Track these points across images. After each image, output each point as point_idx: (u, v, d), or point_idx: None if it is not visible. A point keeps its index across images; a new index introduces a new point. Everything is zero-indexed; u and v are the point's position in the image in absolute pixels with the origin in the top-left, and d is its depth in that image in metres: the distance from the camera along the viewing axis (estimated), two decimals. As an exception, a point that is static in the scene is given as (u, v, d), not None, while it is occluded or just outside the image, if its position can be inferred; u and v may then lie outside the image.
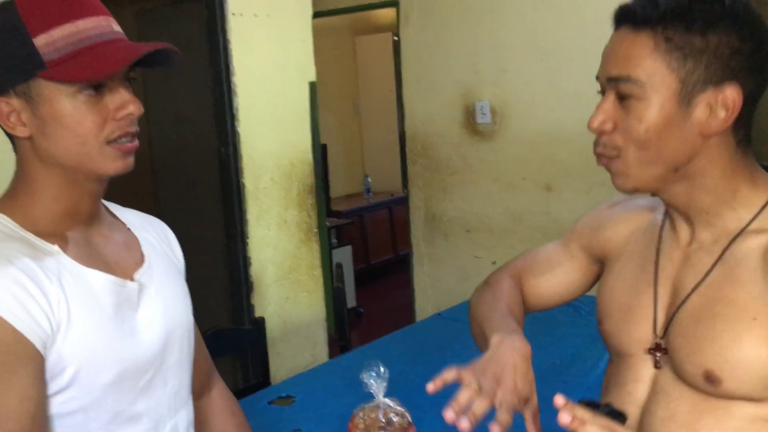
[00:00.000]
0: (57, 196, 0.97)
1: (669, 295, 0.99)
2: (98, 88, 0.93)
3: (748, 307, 0.89)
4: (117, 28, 0.96)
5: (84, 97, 0.92)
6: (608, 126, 0.93)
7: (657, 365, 0.99)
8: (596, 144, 0.95)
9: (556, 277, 1.21)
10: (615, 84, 0.92)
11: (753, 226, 0.93)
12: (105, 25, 0.93)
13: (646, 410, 0.99)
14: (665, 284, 1.00)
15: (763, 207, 0.93)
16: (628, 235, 1.11)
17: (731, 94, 0.88)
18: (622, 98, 0.91)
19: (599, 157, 0.95)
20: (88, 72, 0.90)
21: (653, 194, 0.98)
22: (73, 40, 0.90)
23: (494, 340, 1.02)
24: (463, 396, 0.92)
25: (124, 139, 0.95)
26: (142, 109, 0.96)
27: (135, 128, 0.97)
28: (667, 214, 1.04)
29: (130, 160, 0.98)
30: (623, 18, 0.93)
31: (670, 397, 0.96)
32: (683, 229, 0.99)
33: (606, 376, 1.10)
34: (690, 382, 0.93)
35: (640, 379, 1.00)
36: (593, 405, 0.90)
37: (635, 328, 1.01)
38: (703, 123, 0.89)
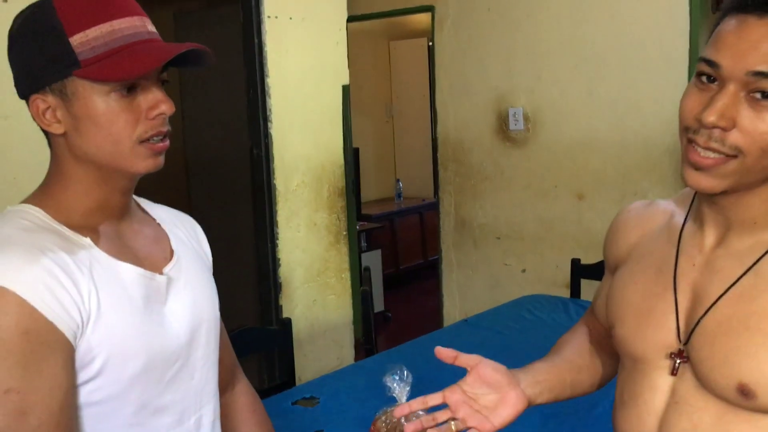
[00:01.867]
0: (89, 191, 0.99)
1: (689, 301, 0.96)
2: (131, 87, 0.94)
3: None
4: (152, 28, 0.97)
5: (117, 96, 0.93)
6: (725, 123, 0.84)
7: (674, 372, 0.95)
8: (707, 137, 0.85)
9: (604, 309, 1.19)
10: (757, 79, 0.82)
11: None
12: (140, 25, 0.95)
13: (664, 422, 0.96)
14: (685, 289, 0.96)
15: None
16: (637, 238, 1.08)
17: None
18: (755, 97, 0.83)
19: (710, 150, 0.85)
20: (121, 72, 0.91)
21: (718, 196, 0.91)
22: (107, 39, 0.92)
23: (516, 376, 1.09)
24: (425, 420, 1.06)
25: (155, 139, 0.97)
26: (173, 108, 0.97)
27: (167, 128, 0.98)
28: (689, 215, 1.01)
29: (161, 159, 0.99)
30: (761, 4, 0.83)
31: (693, 408, 0.93)
32: (711, 233, 0.96)
33: (619, 384, 1.07)
34: (719, 393, 0.91)
35: (656, 387, 0.97)
36: None
37: (653, 333, 0.98)
38: None
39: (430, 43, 4.00)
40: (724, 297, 0.92)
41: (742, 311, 0.89)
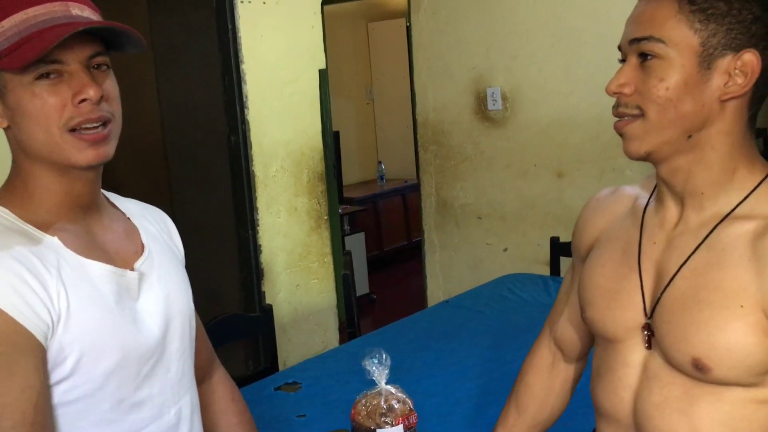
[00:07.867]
0: (48, 185, 0.97)
1: (653, 279, 0.98)
2: (57, 75, 0.92)
3: (736, 294, 0.88)
4: (76, 12, 0.94)
5: (43, 85, 0.92)
6: (627, 89, 0.94)
7: (648, 346, 0.98)
8: (616, 106, 0.96)
9: (573, 306, 1.19)
10: (637, 45, 0.93)
11: (741, 211, 0.92)
12: (59, 10, 0.92)
13: (638, 395, 0.98)
14: (648, 268, 0.99)
15: (752, 191, 0.93)
16: (605, 224, 1.10)
17: (750, 60, 0.89)
18: (643, 61, 0.93)
19: (620, 116, 0.96)
20: (22, 58, 0.89)
21: (657, 163, 0.97)
22: (21, 28, 0.91)
23: None
24: None
25: (87, 127, 0.94)
26: (100, 92, 0.94)
27: (98, 114, 0.94)
28: (652, 196, 1.03)
29: (103, 150, 0.95)
30: None
31: (663, 382, 0.95)
32: (670, 211, 0.99)
33: (595, 358, 1.09)
34: (679, 369, 0.93)
35: (629, 363, 1.00)
36: None
37: (621, 313, 1.01)
38: (721, 88, 0.90)
39: (408, 24, 3.98)
40: (679, 273, 0.94)
41: (694, 286, 0.92)
